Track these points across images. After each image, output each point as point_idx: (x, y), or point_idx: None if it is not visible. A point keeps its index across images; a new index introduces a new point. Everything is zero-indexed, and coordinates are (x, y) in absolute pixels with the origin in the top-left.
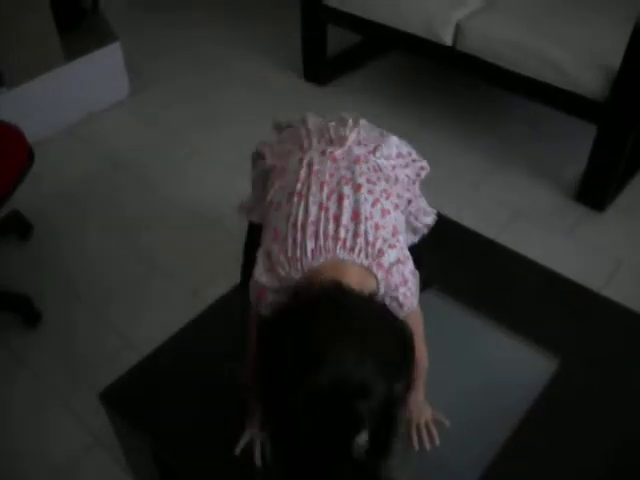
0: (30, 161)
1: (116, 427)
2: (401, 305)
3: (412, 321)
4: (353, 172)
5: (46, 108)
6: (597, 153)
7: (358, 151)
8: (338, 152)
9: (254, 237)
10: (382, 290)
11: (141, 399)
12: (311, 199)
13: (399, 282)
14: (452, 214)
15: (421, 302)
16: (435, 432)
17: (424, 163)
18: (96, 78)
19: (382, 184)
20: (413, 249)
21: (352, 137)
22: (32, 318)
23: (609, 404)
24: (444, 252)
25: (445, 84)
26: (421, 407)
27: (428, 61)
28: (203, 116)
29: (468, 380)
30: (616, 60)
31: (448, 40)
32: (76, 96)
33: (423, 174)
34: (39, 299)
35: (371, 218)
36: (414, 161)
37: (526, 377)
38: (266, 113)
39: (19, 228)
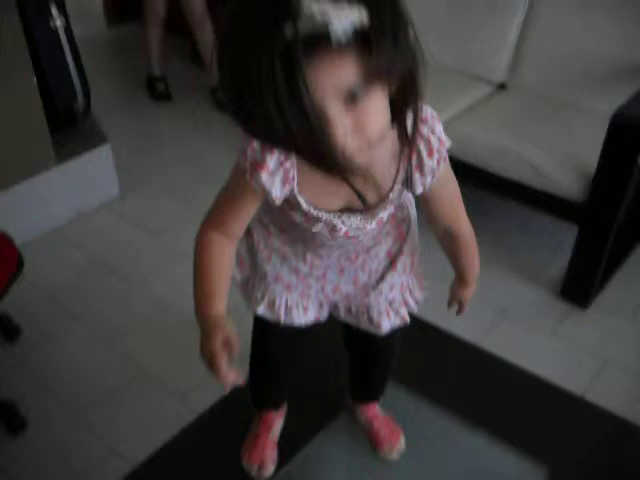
0: (20, 268)
1: None
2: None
3: (450, 178)
4: None
5: (35, 208)
6: (579, 252)
7: None
8: None
9: (266, 342)
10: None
11: None
12: None
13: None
14: (437, 315)
15: (402, 411)
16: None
17: None
18: (86, 179)
19: None
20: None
21: None
22: (16, 426)
23: None
24: (426, 357)
25: None
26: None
27: None
28: (190, 217)
29: None
30: (593, 161)
31: None
32: (66, 196)
33: None
34: (24, 405)
35: None
36: None
37: None
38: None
39: (6, 330)
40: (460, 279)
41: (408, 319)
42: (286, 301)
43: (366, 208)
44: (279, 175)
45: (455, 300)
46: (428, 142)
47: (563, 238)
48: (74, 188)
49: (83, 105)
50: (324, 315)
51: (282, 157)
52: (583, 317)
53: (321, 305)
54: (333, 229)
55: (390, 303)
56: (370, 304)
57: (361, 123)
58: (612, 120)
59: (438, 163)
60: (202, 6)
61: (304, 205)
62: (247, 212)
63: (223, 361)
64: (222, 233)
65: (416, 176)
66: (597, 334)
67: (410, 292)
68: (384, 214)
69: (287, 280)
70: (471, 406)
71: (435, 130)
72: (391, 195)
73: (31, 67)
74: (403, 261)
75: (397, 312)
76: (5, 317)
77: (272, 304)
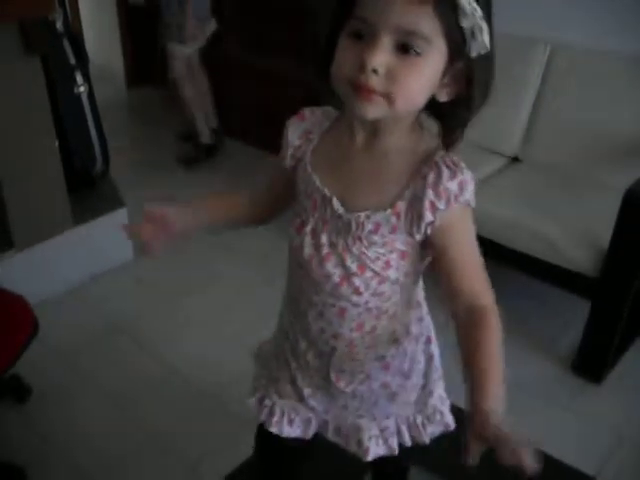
0: (35, 333)
1: None
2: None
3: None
4: None
5: (51, 269)
6: (591, 327)
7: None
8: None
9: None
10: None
11: None
12: None
13: None
14: (447, 392)
15: None
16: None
17: None
18: (101, 241)
19: None
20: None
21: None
22: None
23: None
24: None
25: None
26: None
27: None
28: (203, 282)
29: None
30: (606, 236)
31: None
32: (81, 258)
33: None
34: (32, 468)
35: None
36: None
37: None
38: (265, 281)
39: (17, 392)
40: (479, 386)
41: (396, 450)
42: (273, 405)
43: (354, 207)
44: (301, 128)
45: (477, 431)
46: (454, 168)
47: (575, 312)
48: (89, 250)
49: (101, 168)
50: (310, 433)
51: (315, 123)
52: (597, 392)
53: (309, 422)
54: (316, 240)
55: (382, 430)
56: (361, 427)
57: (396, 74)
58: (625, 197)
59: (457, 198)
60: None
61: (308, 168)
62: (275, 183)
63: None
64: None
65: (428, 194)
66: (611, 409)
67: (409, 427)
68: (369, 229)
69: (283, 387)
70: None
71: (466, 180)
72: (388, 210)
73: (54, 131)
74: (407, 395)
75: (386, 441)
76: (15, 377)
77: (262, 400)
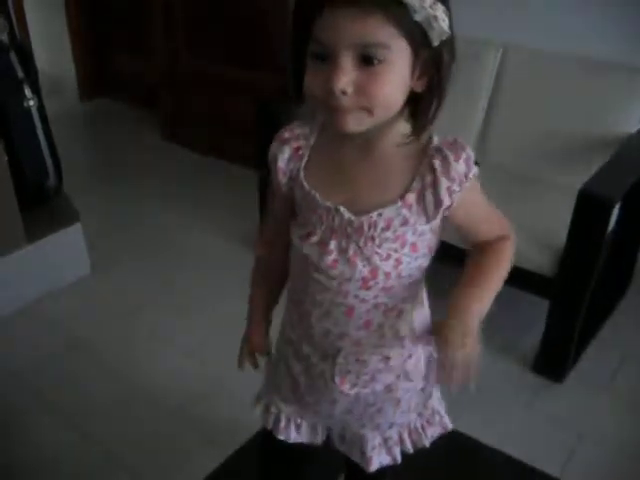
0: None
1: None
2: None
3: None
4: None
5: (4, 288)
6: (551, 326)
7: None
8: None
9: None
10: None
11: None
12: None
13: None
14: None
15: None
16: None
17: None
18: (57, 258)
19: None
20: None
21: None
22: None
23: None
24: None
25: None
26: (468, 329)
27: None
28: (161, 295)
29: None
30: (563, 236)
31: None
32: (36, 275)
33: None
34: None
35: None
36: None
37: None
38: (222, 292)
39: None
40: (450, 302)
41: (399, 459)
42: (278, 412)
43: (362, 211)
44: (288, 149)
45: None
46: (454, 148)
47: (535, 312)
48: (44, 267)
49: (54, 183)
50: (319, 439)
51: (298, 138)
52: (558, 390)
53: (315, 427)
54: (323, 249)
55: (385, 440)
56: (365, 436)
57: (365, 87)
58: (578, 196)
59: (467, 176)
60: None
61: (305, 186)
62: (279, 212)
63: (244, 354)
64: (266, 244)
65: (443, 181)
66: (573, 408)
67: (410, 433)
68: (382, 227)
69: (285, 394)
70: None
71: (469, 155)
72: (399, 203)
73: (2, 146)
74: (408, 399)
75: (390, 450)
76: None
77: (268, 408)
